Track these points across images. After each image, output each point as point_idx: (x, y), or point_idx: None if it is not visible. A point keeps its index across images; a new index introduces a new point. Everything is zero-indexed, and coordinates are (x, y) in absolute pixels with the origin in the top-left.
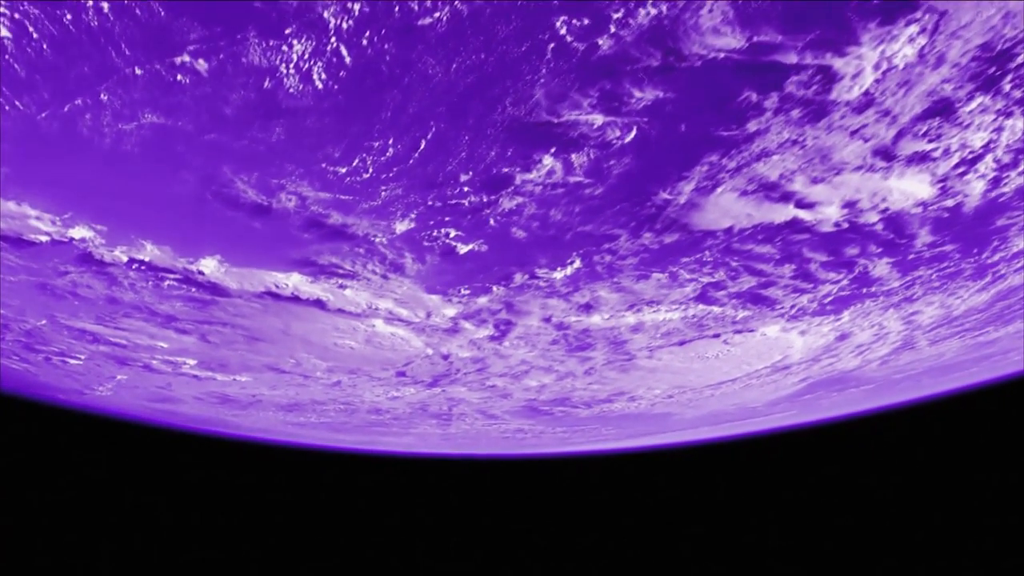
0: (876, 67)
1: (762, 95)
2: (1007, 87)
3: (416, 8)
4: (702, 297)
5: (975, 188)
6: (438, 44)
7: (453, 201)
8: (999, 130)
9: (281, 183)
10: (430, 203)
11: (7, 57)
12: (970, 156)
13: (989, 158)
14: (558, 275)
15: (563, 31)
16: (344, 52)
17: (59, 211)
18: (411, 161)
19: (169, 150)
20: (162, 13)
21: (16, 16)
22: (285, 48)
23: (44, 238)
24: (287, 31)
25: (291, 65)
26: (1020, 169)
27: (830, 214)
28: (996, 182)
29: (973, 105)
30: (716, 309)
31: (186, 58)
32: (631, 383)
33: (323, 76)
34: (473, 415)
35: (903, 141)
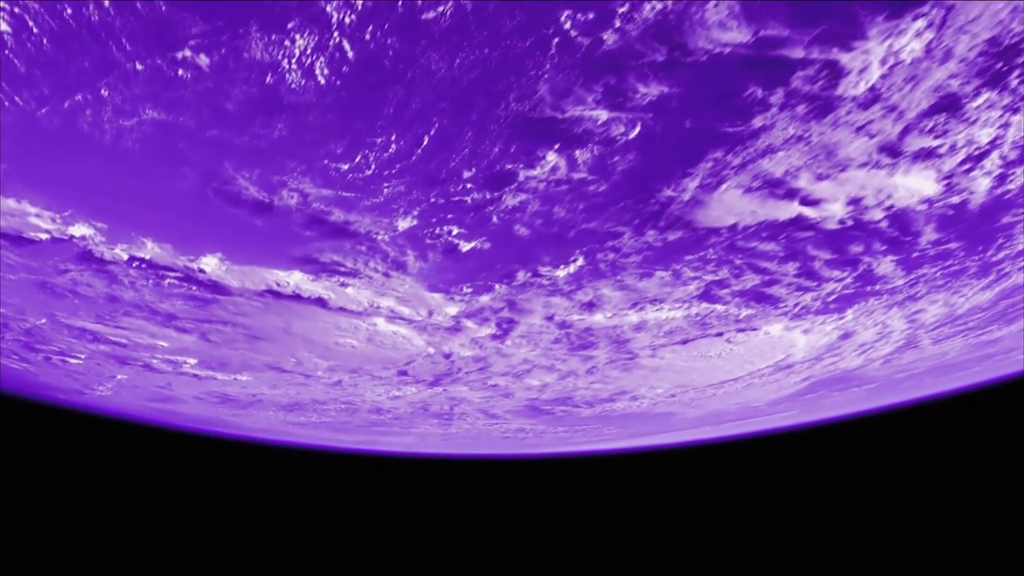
0: (883, 62)
1: (768, 91)
2: (1014, 82)
3: (420, 2)
4: (705, 295)
5: (981, 185)
6: (442, 39)
7: (456, 198)
8: (1006, 126)
9: (283, 180)
10: (433, 200)
11: (7, 52)
12: (976, 152)
13: (995, 154)
14: (561, 273)
15: (567, 26)
16: (347, 47)
17: (59, 208)
18: (414, 157)
19: (170, 146)
20: (163, 7)
21: (16, 11)
22: (287, 43)
23: (44, 236)
24: (289, 25)
25: (293, 60)
26: None
27: (835, 211)
28: (1002, 179)
29: (980, 101)
30: (719, 307)
31: (187, 53)
32: (633, 382)
33: (325, 71)
34: (474, 415)
35: (909, 137)
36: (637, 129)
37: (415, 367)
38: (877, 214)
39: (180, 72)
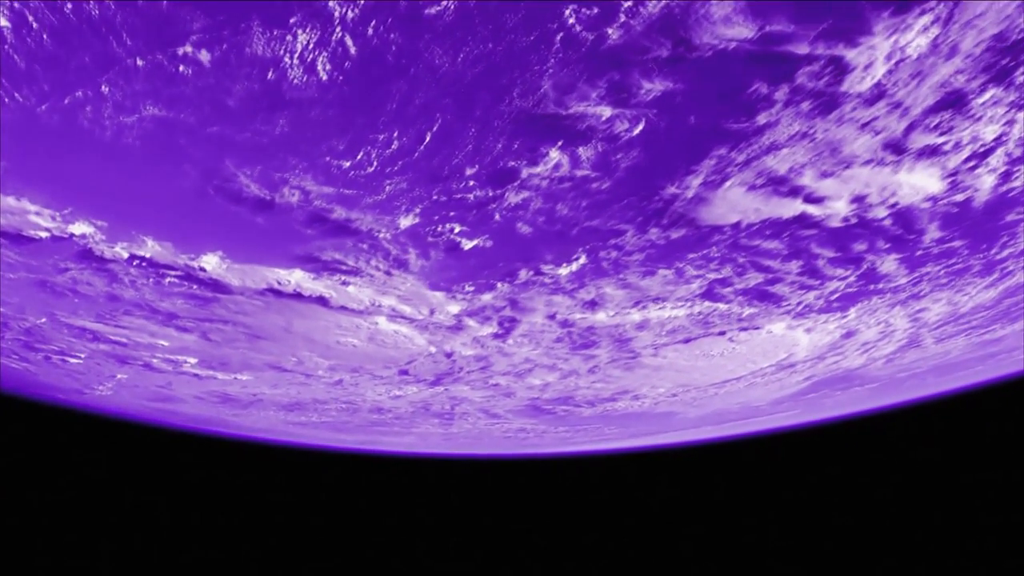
0: (888, 58)
1: (772, 87)
2: (1020, 79)
3: None
4: (708, 294)
5: (985, 182)
6: (445, 33)
7: (458, 195)
8: (1011, 123)
9: (284, 177)
10: (435, 197)
11: (7, 48)
12: (981, 150)
13: (1000, 151)
14: (563, 271)
15: (572, 20)
16: (349, 42)
17: (59, 206)
18: (416, 154)
19: (171, 143)
20: (164, 2)
21: (16, 5)
22: (289, 38)
23: (44, 234)
24: (291, 21)
25: (295, 56)
26: None
27: (839, 209)
28: (1007, 176)
29: (985, 97)
30: (722, 306)
31: (189, 48)
32: (635, 381)
33: (327, 67)
34: (476, 414)
35: (914, 134)
36: (641, 126)
37: (416, 366)
38: (881, 212)
39: (181, 68)
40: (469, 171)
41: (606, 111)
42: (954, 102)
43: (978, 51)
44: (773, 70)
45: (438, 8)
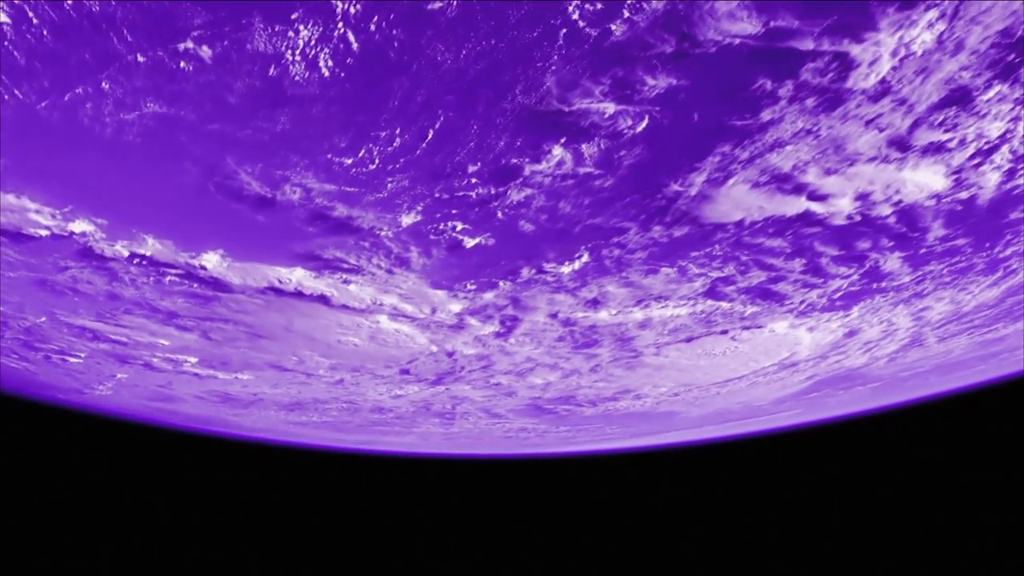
0: (894, 54)
1: (777, 83)
2: None
3: None
4: (711, 292)
5: (990, 180)
6: (448, 29)
7: (460, 193)
8: (1016, 120)
9: (285, 174)
10: (437, 195)
11: (6, 44)
12: (986, 147)
13: (1005, 149)
14: (566, 269)
15: (575, 16)
16: (351, 38)
17: (59, 204)
18: (418, 151)
19: (171, 140)
20: None
21: (16, 1)
22: (291, 34)
23: (44, 232)
24: (293, 16)
25: (297, 52)
26: None
27: (843, 206)
28: (1011, 174)
29: (991, 94)
30: (725, 305)
31: (190, 44)
32: (637, 380)
33: (329, 63)
34: (477, 414)
35: (919, 131)
36: (644, 122)
37: (417, 365)
38: (885, 209)
39: (182, 64)
40: (471, 168)
41: (609, 107)
42: (959, 99)
43: (984, 47)
44: (778, 66)
45: (441, 3)
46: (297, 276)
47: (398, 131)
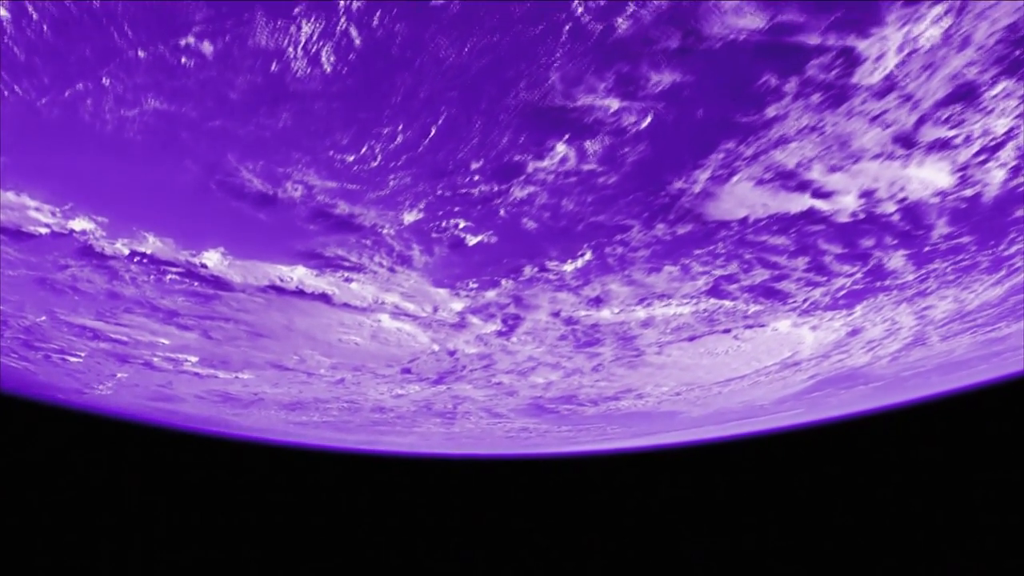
0: (900, 49)
1: (782, 79)
2: None
3: None
4: (714, 291)
5: (995, 177)
6: (451, 24)
7: (463, 190)
8: (1022, 116)
9: (287, 171)
10: (439, 192)
11: (6, 39)
12: (992, 143)
13: (1011, 145)
14: (568, 268)
15: (580, 11)
16: (354, 33)
17: (59, 202)
18: (421, 148)
19: (172, 137)
20: None
21: None
22: (293, 29)
23: (44, 230)
24: (295, 11)
25: (299, 47)
26: None
27: (847, 204)
28: (1016, 171)
29: (997, 90)
30: (728, 303)
31: (191, 40)
32: (639, 380)
33: (332, 59)
34: (478, 413)
35: (924, 127)
36: (648, 119)
37: (419, 364)
38: (889, 207)
39: (183, 60)
40: (474, 165)
41: (614, 104)
42: (965, 95)
43: (991, 42)
44: (783, 62)
45: None
46: (298, 274)
47: (400, 128)
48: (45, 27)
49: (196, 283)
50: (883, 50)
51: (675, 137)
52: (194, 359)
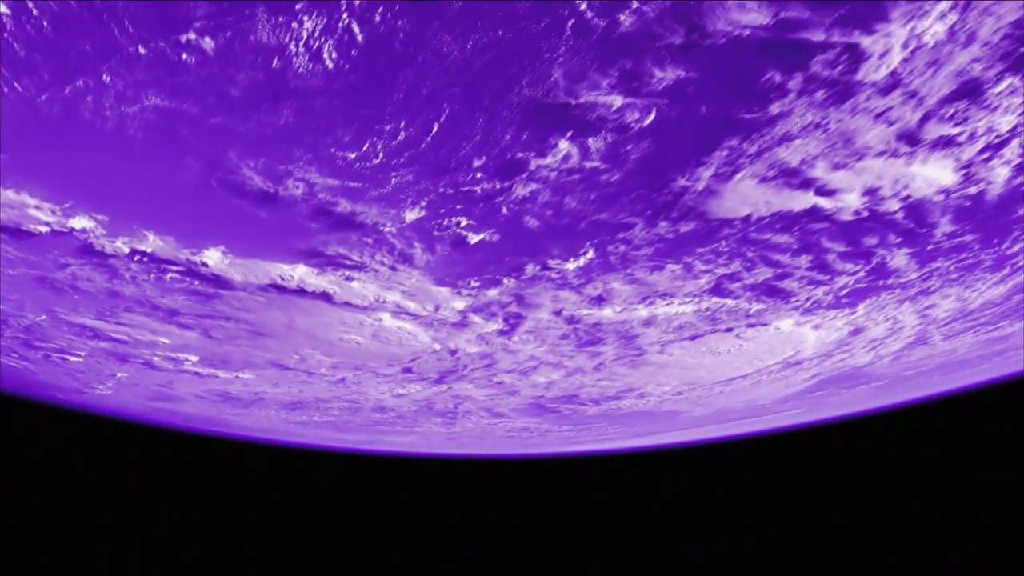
0: (905, 45)
1: (786, 75)
2: None
3: None
4: (716, 289)
5: (999, 175)
6: (454, 20)
7: (465, 188)
8: None
9: (288, 169)
10: (441, 190)
11: (6, 35)
12: (996, 141)
13: (1015, 143)
14: (570, 266)
15: (583, 6)
16: (356, 29)
17: (59, 200)
18: (423, 145)
19: (173, 134)
20: None
21: None
22: (295, 25)
23: (44, 228)
24: (297, 7)
25: (301, 43)
26: None
27: (850, 202)
28: (1021, 168)
29: (1002, 86)
30: (730, 302)
31: (192, 36)
32: (641, 379)
33: (334, 55)
34: (479, 413)
35: (928, 124)
36: (652, 116)
37: (420, 364)
38: (893, 205)
39: (184, 56)
40: (477, 163)
41: (617, 100)
42: (970, 91)
43: (996, 38)
44: (787, 58)
45: None
46: (299, 273)
47: (403, 124)
48: (45, 23)
49: (196, 282)
50: (888, 46)
51: (678, 134)
52: (194, 358)
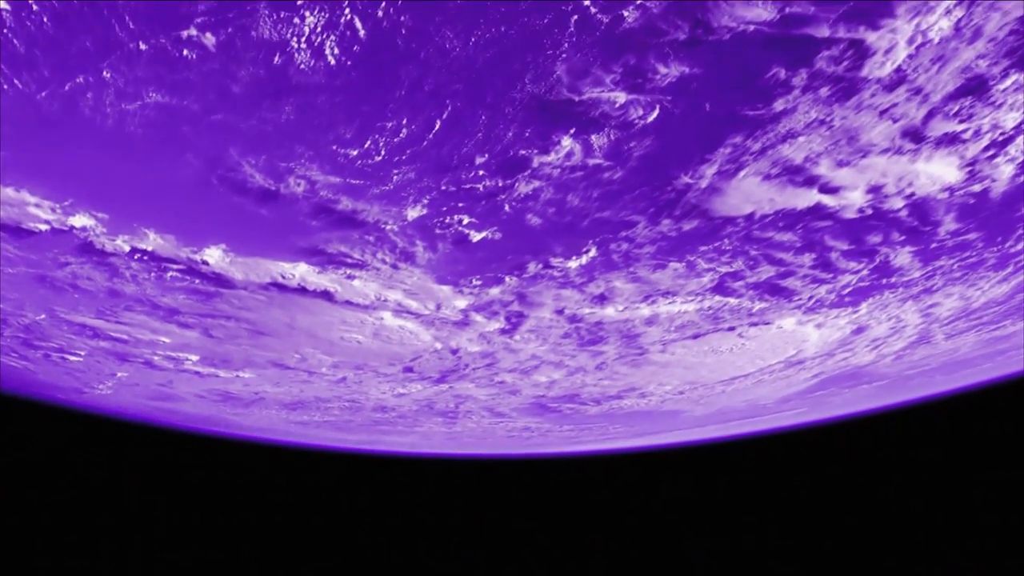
0: (910, 41)
1: (791, 71)
2: None
3: None
4: (719, 288)
5: (1004, 172)
6: (457, 15)
7: (467, 185)
8: None
9: (290, 166)
10: (443, 188)
11: (6, 31)
12: (1001, 138)
13: (1020, 140)
14: (573, 264)
15: (587, 2)
16: (358, 24)
17: (59, 198)
18: (425, 143)
19: (174, 131)
20: None
21: None
22: (297, 20)
23: (44, 227)
24: (299, 1)
25: (303, 39)
26: None
27: (854, 199)
28: None
29: (1007, 83)
30: (733, 300)
31: (193, 31)
32: (642, 378)
33: (336, 51)
34: (480, 412)
35: (933, 121)
36: (656, 112)
37: (421, 363)
38: (897, 203)
39: (185, 52)
40: (479, 160)
41: (620, 96)
42: (975, 88)
43: (1002, 34)
44: (792, 54)
45: None
46: (300, 271)
47: (405, 121)
48: (45, 18)
49: (197, 280)
50: (893, 42)
51: (682, 131)
52: (195, 358)
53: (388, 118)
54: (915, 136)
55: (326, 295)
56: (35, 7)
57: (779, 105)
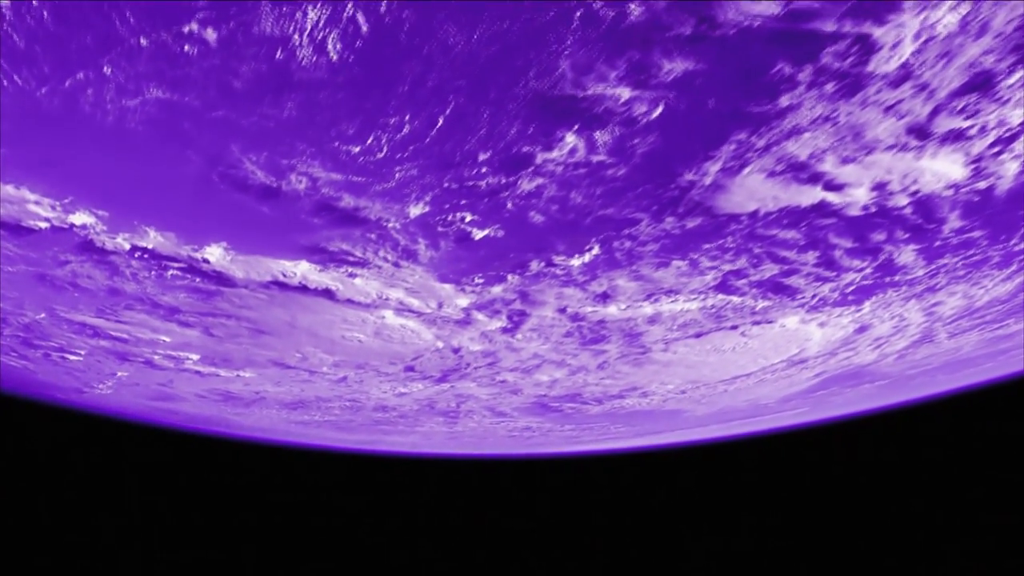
0: (916, 36)
1: (796, 67)
2: None
3: None
4: (722, 286)
5: (1009, 169)
6: (460, 11)
7: (470, 183)
8: None
9: (291, 163)
10: (446, 185)
11: (6, 27)
12: (1007, 135)
13: None
14: (576, 262)
15: None
16: (361, 20)
17: (59, 195)
18: (428, 139)
19: (175, 128)
20: None
21: None
22: (299, 15)
23: (43, 224)
24: None
25: (305, 34)
26: None
27: (859, 197)
28: None
29: (1014, 79)
30: (736, 299)
31: (194, 27)
32: (644, 377)
33: (338, 46)
34: (481, 412)
35: (939, 118)
36: (660, 109)
37: (422, 362)
38: (902, 200)
39: (186, 48)
40: (482, 156)
41: (624, 93)
42: (981, 84)
43: (1009, 29)
44: (798, 49)
45: None
46: (302, 269)
47: (407, 118)
48: (46, 13)
49: (198, 279)
50: (900, 37)
51: (686, 128)
52: (195, 357)
53: (390, 115)
54: (920, 133)
55: (327, 293)
56: (35, 2)
57: (784, 101)
